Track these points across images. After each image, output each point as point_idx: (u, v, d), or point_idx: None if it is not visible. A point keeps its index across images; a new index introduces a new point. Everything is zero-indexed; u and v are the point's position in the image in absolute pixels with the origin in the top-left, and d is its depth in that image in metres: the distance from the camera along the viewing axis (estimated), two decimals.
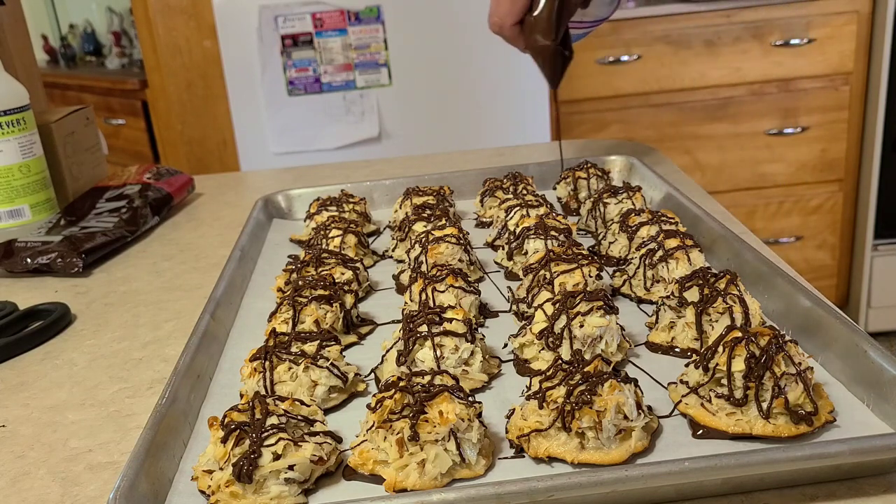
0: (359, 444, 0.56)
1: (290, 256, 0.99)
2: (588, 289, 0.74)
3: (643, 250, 0.82)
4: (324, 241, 0.94)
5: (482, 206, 1.10)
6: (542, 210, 0.96)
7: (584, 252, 0.80)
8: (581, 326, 0.66)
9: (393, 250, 0.98)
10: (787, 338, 0.58)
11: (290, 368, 0.64)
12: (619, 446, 0.54)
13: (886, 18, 2.46)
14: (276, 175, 1.53)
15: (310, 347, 0.66)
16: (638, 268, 0.81)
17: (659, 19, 2.53)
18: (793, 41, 2.54)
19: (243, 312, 0.85)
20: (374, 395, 0.57)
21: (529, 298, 0.77)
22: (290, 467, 0.53)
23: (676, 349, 0.69)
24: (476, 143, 2.16)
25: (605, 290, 0.78)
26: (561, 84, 1.01)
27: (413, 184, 1.12)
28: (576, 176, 1.10)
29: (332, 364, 0.65)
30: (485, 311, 0.80)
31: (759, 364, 0.56)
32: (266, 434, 0.54)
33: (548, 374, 0.58)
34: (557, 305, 0.68)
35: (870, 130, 2.61)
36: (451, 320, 0.67)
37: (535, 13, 0.92)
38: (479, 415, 0.56)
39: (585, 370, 0.56)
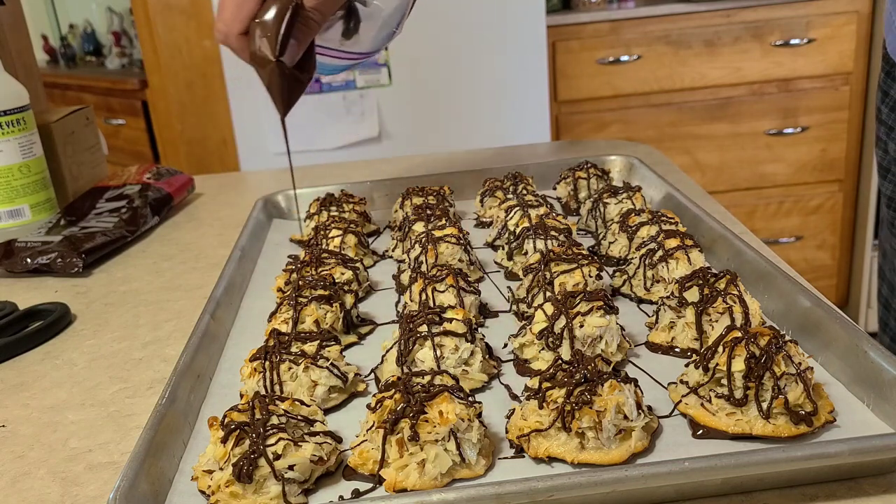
0: (359, 444, 0.56)
1: (290, 256, 0.99)
2: (588, 289, 0.74)
3: (643, 250, 0.82)
4: (324, 241, 0.94)
5: (482, 206, 1.10)
6: (542, 210, 0.96)
7: (584, 252, 0.80)
8: (581, 326, 0.66)
9: (393, 250, 0.99)
10: (787, 338, 0.58)
11: (290, 368, 0.64)
12: (619, 446, 0.54)
13: None
14: (276, 175, 1.52)
15: (310, 347, 0.66)
16: (638, 268, 0.81)
17: (659, 19, 2.53)
18: (793, 41, 2.54)
19: (243, 312, 0.85)
20: (374, 395, 0.57)
21: (529, 298, 0.77)
22: (290, 467, 0.53)
23: (676, 349, 0.69)
24: (476, 143, 2.16)
25: (605, 290, 0.78)
26: (292, 110, 0.82)
27: (413, 184, 1.12)
28: (576, 176, 1.10)
29: (332, 364, 0.65)
30: (485, 311, 0.80)
31: (759, 364, 0.56)
32: (266, 434, 0.54)
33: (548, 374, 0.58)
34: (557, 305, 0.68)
35: (870, 130, 2.61)
36: (451, 320, 0.67)
37: (260, 19, 0.74)
38: (479, 415, 0.56)
39: (585, 370, 0.56)
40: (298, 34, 0.75)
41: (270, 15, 0.73)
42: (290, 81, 0.77)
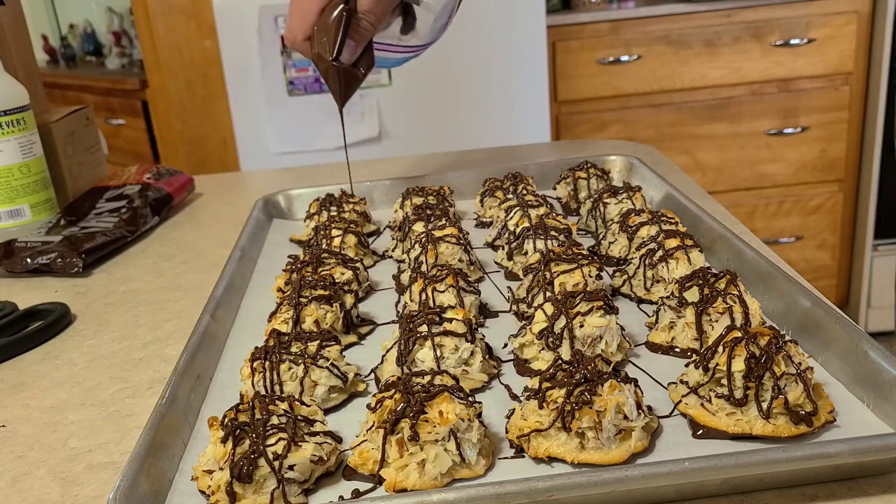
0: (359, 444, 0.56)
1: (290, 256, 0.99)
2: (588, 289, 0.74)
3: (643, 250, 0.82)
4: (324, 241, 0.94)
5: (482, 206, 1.10)
6: (542, 210, 0.96)
7: (584, 252, 0.80)
8: (581, 326, 0.66)
9: (393, 250, 0.99)
10: (787, 338, 0.58)
11: (290, 368, 0.64)
12: (619, 446, 0.54)
13: (886, 18, 2.46)
14: (276, 175, 1.53)
15: (310, 347, 0.66)
16: (638, 268, 0.81)
17: (659, 19, 2.53)
18: (793, 41, 2.54)
19: (243, 312, 0.85)
20: (374, 395, 0.57)
21: (529, 298, 0.77)
22: (291, 467, 0.53)
23: (676, 349, 0.69)
24: (476, 143, 2.15)
25: (605, 290, 0.78)
26: (348, 101, 0.95)
27: (413, 184, 1.12)
28: (576, 176, 1.10)
29: (332, 364, 0.65)
30: (485, 311, 0.80)
31: (759, 364, 0.56)
32: (266, 434, 0.54)
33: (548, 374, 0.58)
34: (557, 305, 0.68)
35: (870, 130, 2.61)
36: (451, 320, 0.67)
37: (320, 26, 0.86)
38: (479, 415, 0.56)
39: (585, 370, 0.56)
40: (355, 36, 0.86)
41: (327, 22, 0.86)
42: (345, 77, 0.91)
